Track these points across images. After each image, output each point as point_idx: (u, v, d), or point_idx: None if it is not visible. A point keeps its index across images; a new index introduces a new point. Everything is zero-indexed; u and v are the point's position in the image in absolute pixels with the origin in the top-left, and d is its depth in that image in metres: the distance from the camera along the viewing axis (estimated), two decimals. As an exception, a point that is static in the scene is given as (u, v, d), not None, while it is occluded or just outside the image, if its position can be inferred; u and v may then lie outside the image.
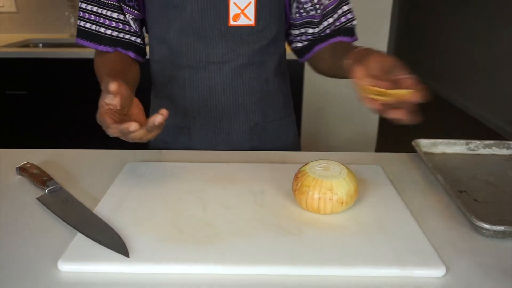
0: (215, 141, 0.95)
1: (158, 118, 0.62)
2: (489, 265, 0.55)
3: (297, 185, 0.64)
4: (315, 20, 0.91)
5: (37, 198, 0.67)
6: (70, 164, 0.82)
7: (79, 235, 0.57)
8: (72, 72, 2.13)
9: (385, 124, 2.90)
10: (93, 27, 0.89)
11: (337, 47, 0.91)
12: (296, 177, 0.65)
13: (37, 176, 0.72)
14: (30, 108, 2.18)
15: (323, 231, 0.59)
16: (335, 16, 0.92)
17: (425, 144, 0.88)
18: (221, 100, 0.92)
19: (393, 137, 3.10)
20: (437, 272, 0.52)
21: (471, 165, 0.83)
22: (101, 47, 0.90)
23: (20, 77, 2.14)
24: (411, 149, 0.88)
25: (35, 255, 0.55)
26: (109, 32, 0.89)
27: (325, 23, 0.92)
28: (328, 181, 0.62)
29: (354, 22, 0.95)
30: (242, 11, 0.85)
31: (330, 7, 0.91)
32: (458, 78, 4.23)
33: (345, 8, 0.92)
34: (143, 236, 0.57)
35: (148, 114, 1.03)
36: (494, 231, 0.59)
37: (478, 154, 0.88)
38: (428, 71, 4.94)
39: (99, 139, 2.41)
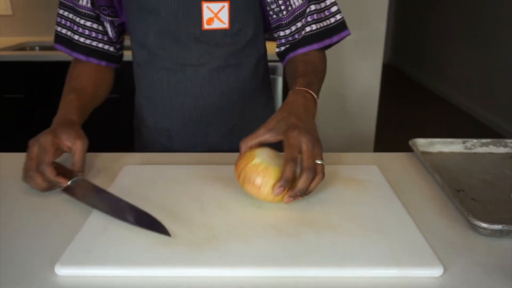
0: (194, 142, 0.96)
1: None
2: (487, 264, 0.55)
3: (243, 170, 0.66)
4: (283, 22, 0.87)
5: (62, 190, 0.69)
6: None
7: (76, 239, 0.57)
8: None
9: (383, 124, 2.91)
10: (68, 33, 0.92)
11: (290, 71, 0.87)
12: (244, 161, 0.66)
13: (57, 168, 0.72)
14: (27, 111, 2.18)
15: (320, 232, 0.59)
16: (303, 20, 0.86)
17: (422, 143, 0.88)
18: (198, 102, 0.92)
19: (391, 137, 3.11)
20: (435, 271, 0.52)
21: (468, 164, 0.83)
22: (74, 54, 0.92)
23: (17, 80, 2.14)
24: (409, 149, 0.88)
25: (32, 259, 0.55)
26: (82, 39, 0.91)
27: (293, 28, 0.86)
28: (277, 168, 0.64)
29: (333, 20, 0.87)
30: (216, 14, 0.85)
31: (301, 9, 0.85)
32: (455, 76, 4.24)
33: (313, 7, 0.84)
34: (141, 239, 0.57)
35: (133, 115, 1.04)
36: (492, 230, 0.59)
37: (475, 153, 0.88)
38: (425, 69, 4.95)
39: (95, 142, 2.39)
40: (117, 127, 2.22)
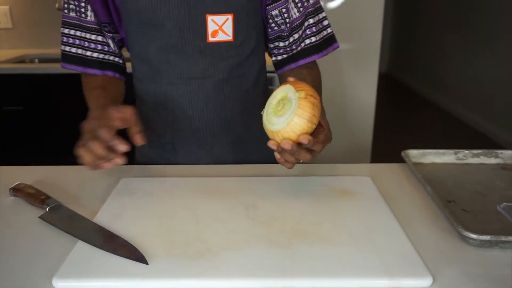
0: (199, 155, 0.97)
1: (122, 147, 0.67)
2: (476, 274, 0.56)
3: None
4: (284, 34, 0.92)
5: (39, 217, 0.68)
6: (64, 180, 0.83)
7: (73, 252, 0.58)
8: (69, 87, 2.14)
9: (379, 133, 2.93)
10: (79, 51, 0.92)
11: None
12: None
13: (33, 195, 0.73)
14: (27, 123, 2.19)
15: (313, 243, 0.60)
16: (300, 32, 0.91)
17: (414, 154, 0.90)
18: (203, 114, 0.93)
19: (388, 146, 3.12)
20: (424, 282, 0.53)
21: (460, 175, 0.85)
22: (89, 70, 0.92)
23: (16, 92, 2.15)
24: (403, 160, 0.89)
25: (29, 272, 0.56)
26: (95, 55, 0.92)
27: (291, 39, 0.92)
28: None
29: (325, 33, 0.93)
30: (220, 27, 0.87)
31: (298, 21, 0.90)
32: (451, 84, 4.27)
33: (311, 21, 0.90)
34: (137, 251, 0.58)
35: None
36: (481, 240, 0.61)
37: (467, 164, 0.90)
38: (421, 77, 4.98)
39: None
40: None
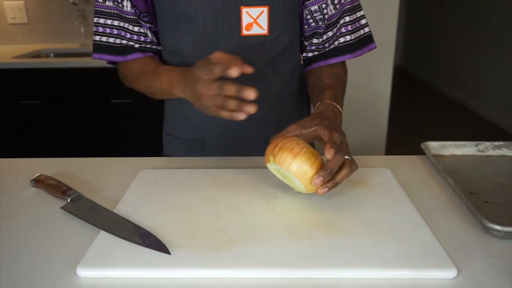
0: (228, 153, 0.95)
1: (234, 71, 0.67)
2: (501, 266, 0.55)
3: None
4: (320, 31, 0.90)
5: (61, 208, 0.69)
6: (83, 173, 0.83)
7: (96, 242, 0.59)
8: (84, 81, 2.16)
9: (394, 127, 2.90)
10: (117, 41, 0.89)
11: (315, 81, 0.90)
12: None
13: (55, 186, 0.73)
14: (43, 117, 2.22)
15: (333, 234, 0.60)
16: (334, 29, 0.89)
17: (434, 146, 0.88)
18: None
19: (402, 140, 3.10)
20: (449, 273, 0.52)
21: (481, 167, 0.84)
22: (129, 57, 0.89)
23: (33, 87, 2.18)
24: (421, 152, 0.88)
25: (53, 261, 0.57)
26: (131, 43, 0.89)
27: (325, 36, 0.90)
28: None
29: (362, 32, 0.90)
30: (255, 20, 0.84)
31: (333, 19, 0.88)
32: (467, 78, 4.21)
33: (347, 18, 0.88)
34: (158, 241, 0.58)
35: (161, 130, 1.05)
36: (505, 232, 0.60)
37: (488, 156, 0.88)
38: (436, 71, 4.92)
39: (112, 147, 2.43)
40: (128, 131, 2.25)
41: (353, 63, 2.53)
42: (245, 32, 0.85)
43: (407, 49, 5.84)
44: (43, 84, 2.17)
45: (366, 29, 0.91)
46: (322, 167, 0.64)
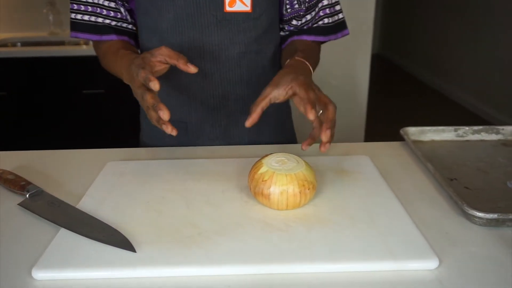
0: (212, 135, 0.91)
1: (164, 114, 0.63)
2: (483, 254, 0.53)
3: (252, 180, 0.62)
4: (301, 13, 0.90)
5: (18, 204, 0.64)
6: (46, 166, 0.78)
7: (55, 240, 0.54)
8: (52, 71, 2.07)
9: (372, 114, 2.90)
10: (92, 18, 0.87)
11: (288, 50, 0.91)
12: (253, 171, 0.63)
13: (13, 181, 0.68)
14: (10, 109, 2.13)
15: (311, 226, 0.57)
16: (313, 13, 0.89)
17: (413, 132, 0.86)
18: (218, 91, 0.88)
19: (381, 127, 3.10)
20: (431, 264, 0.50)
21: (461, 152, 0.82)
22: (105, 37, 0.88)
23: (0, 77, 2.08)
24: (400, 139, 0.86)
25: (8, 263, 0.52)
26: (107, 21, 0.87)
27: (304, 20, 0.90)
28: (283, 174, 0.60)
29: (336, 18, 0.91)
30: None
31: (312, 2, 0.88)
32: (445, 65, 4.24)
33: (325, 2, 0.89)
34: (123, 238, 0.54)
35: (135, 120, 1.00)
36: (487, 219, 0.58)
37: (467, 141, 0.87)
38: (414, 58, 4.95)
39: (85, 140, 2.35)
40: (102, 123, 2.18)
41: (332, 51, 2.51)
42: (228, 9, 0.83)
43: (385, 37, 5.86)
44: (10, 74, 2.08)
45: (340, 15, 0.92)
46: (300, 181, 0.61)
